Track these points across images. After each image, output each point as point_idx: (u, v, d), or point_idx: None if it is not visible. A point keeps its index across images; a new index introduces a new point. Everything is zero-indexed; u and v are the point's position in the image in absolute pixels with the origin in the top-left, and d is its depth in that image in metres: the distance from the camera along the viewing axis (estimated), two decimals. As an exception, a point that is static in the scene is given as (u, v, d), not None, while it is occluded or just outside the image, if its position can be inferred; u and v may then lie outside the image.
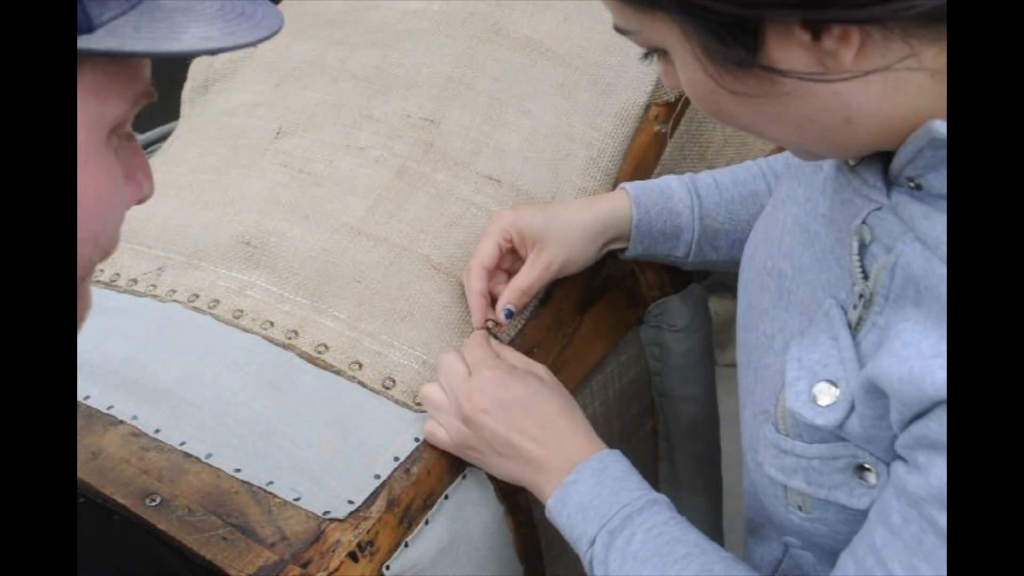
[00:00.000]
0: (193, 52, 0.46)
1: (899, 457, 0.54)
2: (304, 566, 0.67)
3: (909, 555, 0.51)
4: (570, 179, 0.93)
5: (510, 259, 0.85)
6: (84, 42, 0.43)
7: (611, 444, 0.74)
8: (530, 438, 0.72)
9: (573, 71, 0.98)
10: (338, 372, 0.80)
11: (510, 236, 0.83)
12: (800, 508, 0.60)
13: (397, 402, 0.78)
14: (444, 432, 0.75)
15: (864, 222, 0.55)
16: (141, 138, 1.50)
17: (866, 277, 0.55)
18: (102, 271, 0.91)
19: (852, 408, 0.55)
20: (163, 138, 1.41)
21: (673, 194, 0.86)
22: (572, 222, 0.83)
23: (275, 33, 0.49)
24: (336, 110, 0.99)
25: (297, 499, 0.70)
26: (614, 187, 0.95)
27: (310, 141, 0.97)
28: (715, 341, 1.03)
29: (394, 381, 0.80)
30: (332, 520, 0.69)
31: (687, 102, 0.97)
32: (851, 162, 0.58)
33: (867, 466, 0.56)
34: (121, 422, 0.76)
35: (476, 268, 0.82)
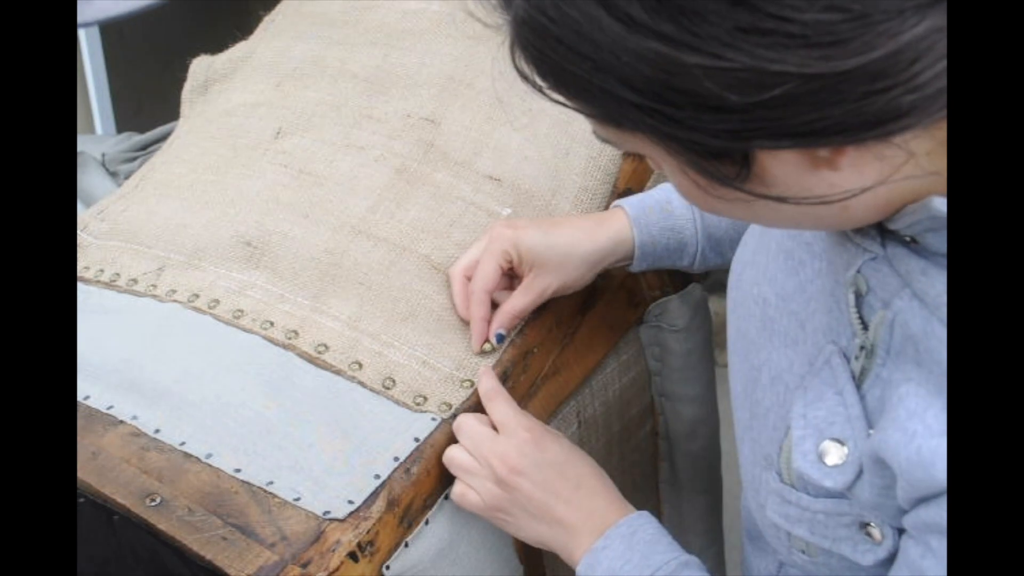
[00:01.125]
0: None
1: (908, 534, 0.52)
2: (304, 566, 0.66)
3: None
4: (570, 177, 0.93)
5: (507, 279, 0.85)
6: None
7: (611, 444, 0.74)
8: (564, 500, 0.72)
9: (573, 71, 0.98)
10: (338, 372, 0.80)
11: (510, 257, 0.81)
12: (804, 552, 0.60)
13: (397, 402, 0.78)
14: (476, 495, 0.73)
15: (859, 271, 0.54)
16: (141, 138, 1.50)
17: (866, 328, 0.54)
18: (102, 271, 0.90)
19: (861, 471, 0.54)
20: (163, 138, 1.41)
21: (673, 209, 0.84)
22: (571, 250, 0.81)
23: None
24: (336, 110, 0.99)
25: (297, 499, 0.70)
26: (614, 186, 0.94)
27: (310, 141, 0.97)
28: (715, 341, 1.03)
29: (394, 381, 0.80)
30: (332, 520, 0.69)
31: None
32: None
33: (872, 524, 0.55)
34: (121, 422, 0.76)
35: (479, 292, 0.81)
